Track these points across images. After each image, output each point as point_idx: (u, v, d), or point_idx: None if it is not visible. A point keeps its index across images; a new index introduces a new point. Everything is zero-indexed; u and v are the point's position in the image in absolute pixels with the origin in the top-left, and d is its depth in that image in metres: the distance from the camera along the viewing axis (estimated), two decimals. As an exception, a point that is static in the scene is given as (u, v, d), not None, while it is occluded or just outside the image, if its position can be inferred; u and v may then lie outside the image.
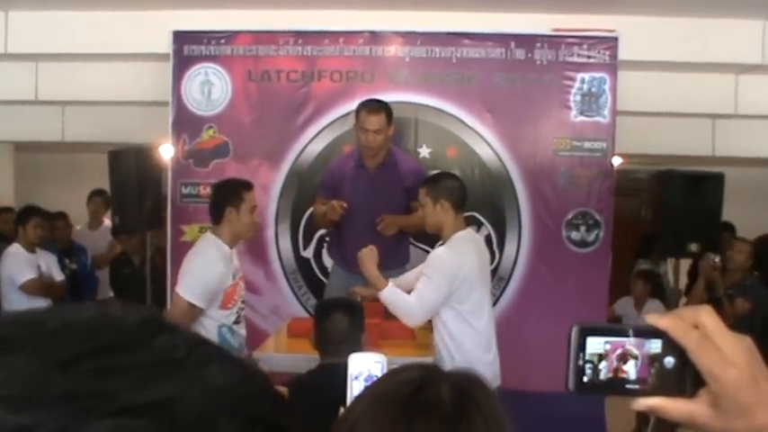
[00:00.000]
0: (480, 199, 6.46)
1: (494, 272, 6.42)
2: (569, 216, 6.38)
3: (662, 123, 8.00)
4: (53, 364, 0.51)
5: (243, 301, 4.78)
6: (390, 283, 4.52)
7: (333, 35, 6.47)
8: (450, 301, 4.55)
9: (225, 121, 6.54)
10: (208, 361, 0.57)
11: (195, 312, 4.53)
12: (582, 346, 0.98)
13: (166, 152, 6.80)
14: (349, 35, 6.47)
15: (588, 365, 0.98)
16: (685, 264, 7.82)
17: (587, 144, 6.37)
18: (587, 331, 0.99)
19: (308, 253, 6.53)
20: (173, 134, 6.57)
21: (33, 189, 9.54)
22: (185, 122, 6.55)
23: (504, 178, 6.44)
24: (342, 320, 3.89)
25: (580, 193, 6.40)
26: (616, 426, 6.31)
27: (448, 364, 4.45)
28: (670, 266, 7.90)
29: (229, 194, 4.74)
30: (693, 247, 7.01)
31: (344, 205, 5.35)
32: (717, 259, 7.31)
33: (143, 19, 6.66)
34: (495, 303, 6.35)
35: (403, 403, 1.27)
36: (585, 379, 0.98)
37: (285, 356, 4.47)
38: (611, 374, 0.98)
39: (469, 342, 4.59)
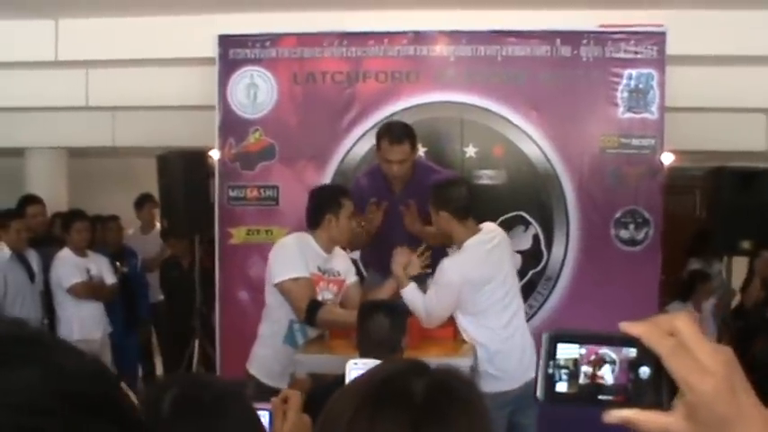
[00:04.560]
0: (527, 198, 6.42)
1: (542, 272, 6.39)
2: (618, 214, 6.30)
3: (714, 119, 7.87)
4: None
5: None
6: (412, 285, 4.64)
7: (377, 36, 6.46)
8: (461, 308, 4.64)
9: (271, 124, 6.56)
10: (12, 359, 0.58)
11: (303, 284, 4.55)
12: (552, 354, 0.93)
13: (214, 155, 6.85)
14: (393, 35, 6.46)
15: (563, 371, 0.93)
16: (738, 262, 7.68)
17: (635, 141, 6.27)
18: (558, 338, 0.94)
19: (355, 254, 6.52)
20: (219, 137, 6.60)
21: (86, 194, 9.68)
22: (232, 126, 6.58)
23: (551, 177, 6.38)
24: (384, 322, 3.91)
25: (628, 191, 6.30)
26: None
27: (480, 360, 4.52)
28: (723, 265, 7.78)
29: (328, 201, 4.73)
30: (746, 244, 6.89)
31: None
32: (772, 258, 7.20)
33: (189, 24, 6.72)
34: (543, 303, 6.34)
35: (371, 391, 1.24)
36: (558, 388, 0.93)
37: (328, 358, 4.45)
38: (588, 381, 0.93)
39: (487, 341, 4.66)
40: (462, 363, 4.30)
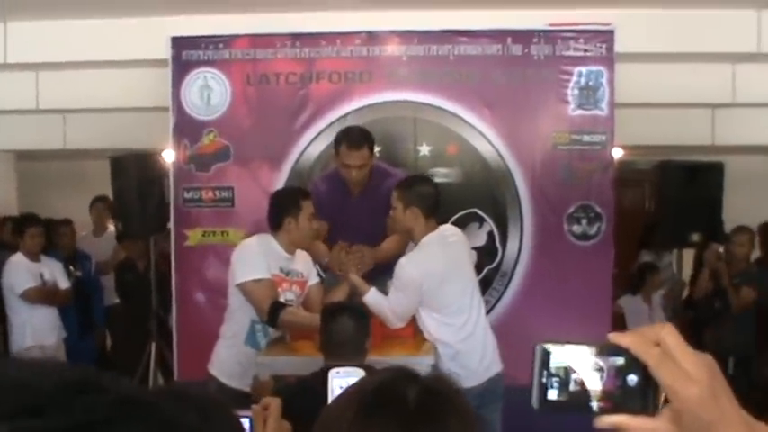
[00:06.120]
0: (481, 195, 6.48)
1: (497, 268, 6.46)
2: (570, 210, 6.39)
3: (661, 114, 8.01)
4: None
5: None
6: (373, 289, 4.69)
7: (330, 36, 6.47)
8: (425, 304, 4.68)
9: (225, 126, 6.55)
10: (126, 420, 0.58)
11: (265, 285, 4.57)
12: (545, 364, 1.00)
13: (168, 157, 6.82)
14: (346, 36, 6.48)
15: (555, 379, 0.99)
16: (688, 253, 7.84)
17: (586, 137, 6.37)
18: (550, 348, 1.00)
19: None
20: (173, 139, 6.57)
21: (37, 197, 9.57)
22: (186, 127, 6.56)
23: (504, 174, 6.45)
24: (348, 324, 3.94)
25: (580, 186, 6.39)
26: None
27: (443, 357, 4.57)
28: (673, 257, 7.93)
29: (287, 203, 4.76)
30: (695, 236, 7.04)
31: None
32: (721, 249, 7.35)
33: (141, 25, 6.68)
34: (498, 299, 6.41)
35: (366, 399, 1.31)
36: (550, 396, 0.99)
37: (291, 359, 4.49)
38: (578, 388, 0.99)
39: (449, 339, 4.72)
40: (424, 361, 4.36)
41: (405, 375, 1.36)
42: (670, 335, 0.96)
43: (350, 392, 1.37)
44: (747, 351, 7.02)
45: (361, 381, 1.39)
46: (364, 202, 5.32)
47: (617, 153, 6.73)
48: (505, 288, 6.46)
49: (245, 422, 1.87)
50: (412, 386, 1.32)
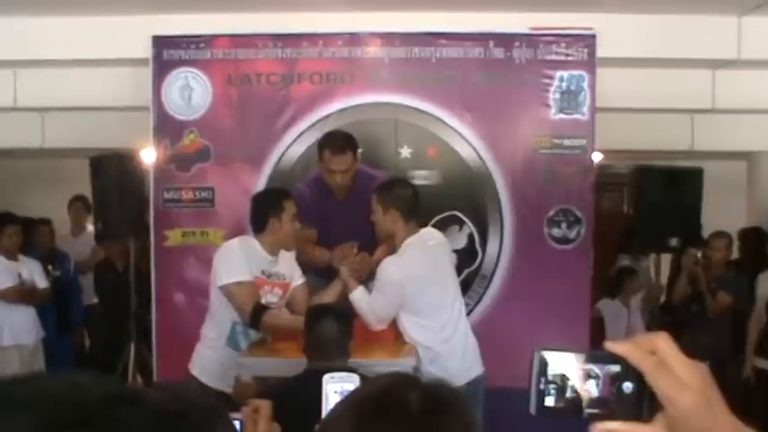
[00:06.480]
0: (462, 198, 6.49)
1: (477, 270, 6.47)
2: (550, 213, 6.40)
3: (641, 119, 8.06)
4: None
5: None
6: (360, 288, 4.73)
7: (312, 37, 6.47)
8: (405, 307, 4.70)
9: (206, 126, 6.52)
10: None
11: (246, 288, 4.57)
12: (543, 371, 1.01)
13: (148, 157, 6.78)
14: (328, 37, 6.47)
15: (552, 386, 1.01)
16: (665, 258, 7.88)
17: (567, 141, 6.39)
18: (547, 356, 1.02)
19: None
20: (154, 139, 6.53)
21: (14, 196, 9.51)
22: (166, 127, 6.53)
23: (485, 177, 6.46)
24: (332, 326, 3.95)
25: (561, 190, 6.41)
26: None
27: (422, 360, 4.58)
28: (651, 261, 7.97)
29: (270, 204, 4.76)
30: (674, 241, 7.08)
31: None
32: (699, 254, 7.40)
33: (122, 24, 6.65)
34: (478, 301, 6.43)
35: (370, 405, 1.32)
36: (547, 402, 1.01)
37: (273, 361, 4.48)
38: (574, 394, 1.01)
39: (428, 341, 4.73)
40: (405, 364, 4.36)
41: (406, 381, 1.37)
42: (665, 343, 0.98)
43: (351, 399, 1.38)
44: (723, 355, 7.06)
45: (362, 387, 1.40)
46: (350, 205, 5.31)
47: (597, 157, 6.75)
48: (485, 290, 6.47)
49: (236, 424, 1.87)
50: (413, 392, 1.33)
